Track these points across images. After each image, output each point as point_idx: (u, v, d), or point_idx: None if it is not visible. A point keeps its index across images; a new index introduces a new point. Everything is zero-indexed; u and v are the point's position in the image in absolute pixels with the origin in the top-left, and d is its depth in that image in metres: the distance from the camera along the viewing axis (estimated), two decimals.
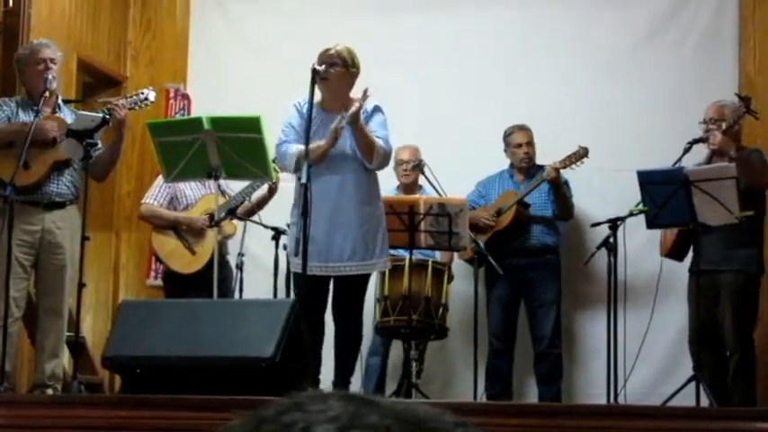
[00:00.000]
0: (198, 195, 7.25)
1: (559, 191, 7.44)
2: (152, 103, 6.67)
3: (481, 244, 7.20)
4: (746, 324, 6.69)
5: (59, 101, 6.51)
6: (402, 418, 0.87)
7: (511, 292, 7.45)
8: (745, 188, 6.36)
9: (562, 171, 7.45)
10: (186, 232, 7.19)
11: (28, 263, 6.26)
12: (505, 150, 7.65)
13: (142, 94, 6.62)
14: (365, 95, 5.96)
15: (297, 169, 6.01)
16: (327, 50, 6.14)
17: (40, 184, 6.27)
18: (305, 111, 6.03)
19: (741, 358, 6.63)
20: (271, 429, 0.84)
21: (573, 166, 7.40)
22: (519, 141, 7.59)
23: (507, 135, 7.63)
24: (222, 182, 6.72)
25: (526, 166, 7.59)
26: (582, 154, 7.38)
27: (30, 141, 6.04)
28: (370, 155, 6.04)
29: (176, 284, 7.18)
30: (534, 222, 7.48)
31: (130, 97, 6.60)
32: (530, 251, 7.44)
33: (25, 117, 6.35)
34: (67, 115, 6.47)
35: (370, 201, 6.16)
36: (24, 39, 7.18)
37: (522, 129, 7.60)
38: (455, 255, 7.46)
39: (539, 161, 7.59)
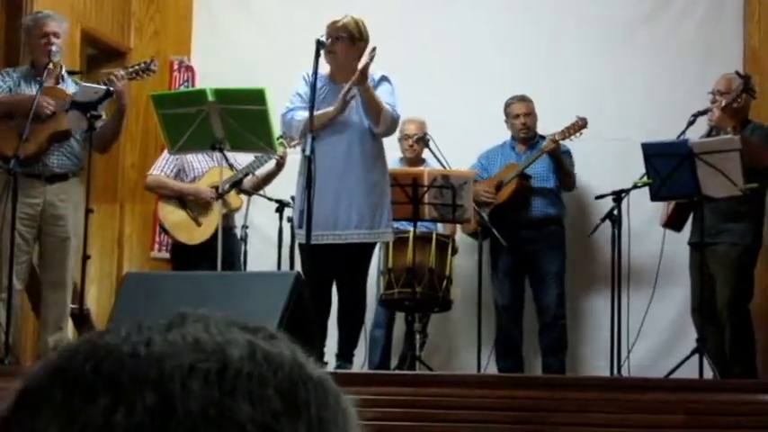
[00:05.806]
0: (205, 168, 7.24)
1: (559, 162, 7.41)
2: (154, 72, 6.66)
3: (485, 216, 7.19)
4: (740, 296, 6.66)
5: (63, 72, 6.50)
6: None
7: (515, 265, 7.42)
8: (746, 167, 6.33)
9: (563, 142, 7.44)
10: (192, 203, 7.19)
11: (30, 235, 6.25)
12: (506, 121, 7.64)
13: (144, 63, 6.61)
14: (372, 54, 5.93)
15: (303, 135, 6.00)
16: (335, 22, 6.12)
17: (38, 155, 6.25)
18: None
19: (735, 330, 6.61)
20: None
21: (572, 137, 7.38)
22: (517, 112, 7.57)
23: (507, 106, 7.61)
24: (230, 155, 6.72)
25: (525, 137, 7.57)
26: (581, 125, 7.35)
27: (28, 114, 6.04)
28: (377, 118, 6.04)
29: (183, 257, 7.19)
30: (536, 194, 7.45)
31: (132, 67, 6.59)
32: (532, 223, 7.41)
33: (27, 89, 6.34)
34: (71, 87, 6.46)
35: (375, 169, 6.16)
36: (28, 9, 7.14)
37: (522, 100, 7.57)
38: (458, 227, 7.45)
39: (544, 132, 7.55)
